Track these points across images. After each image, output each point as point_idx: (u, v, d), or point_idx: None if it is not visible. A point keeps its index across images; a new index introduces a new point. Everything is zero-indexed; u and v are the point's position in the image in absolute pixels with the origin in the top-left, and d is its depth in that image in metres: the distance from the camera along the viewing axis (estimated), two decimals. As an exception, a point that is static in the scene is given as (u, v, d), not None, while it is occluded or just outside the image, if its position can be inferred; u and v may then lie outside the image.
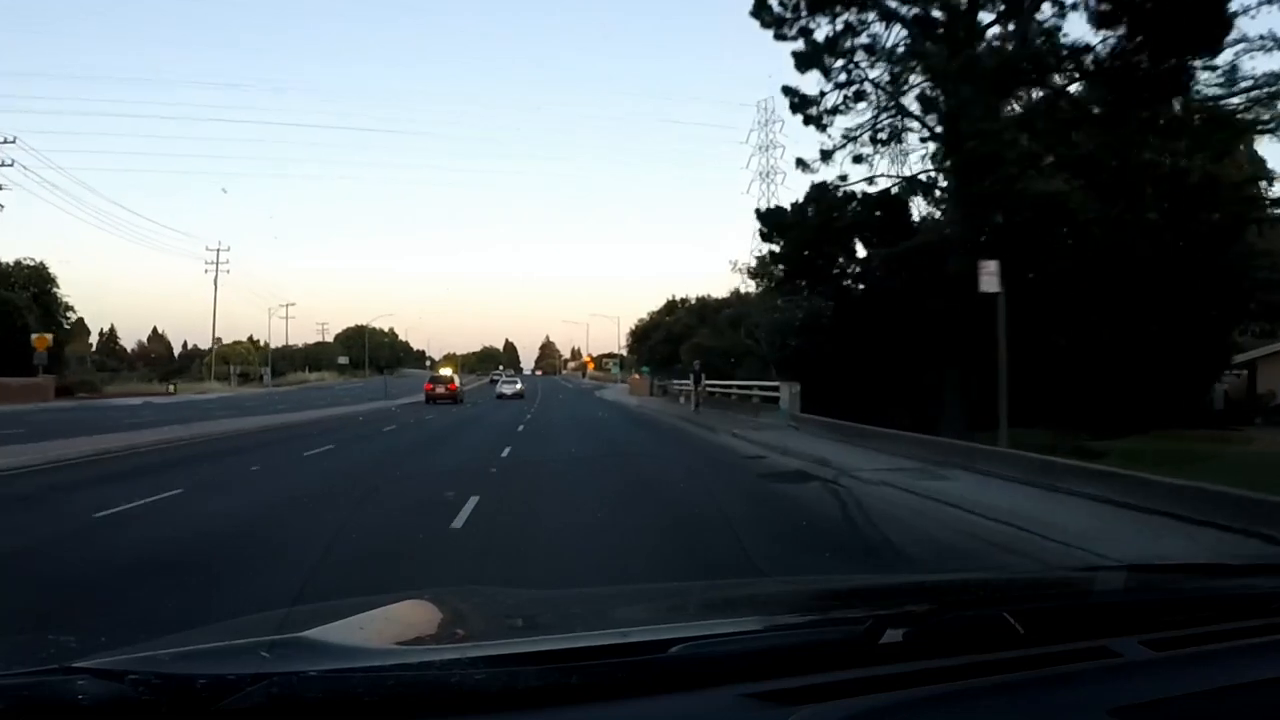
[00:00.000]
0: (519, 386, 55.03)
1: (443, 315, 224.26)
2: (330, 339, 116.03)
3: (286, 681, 1.02)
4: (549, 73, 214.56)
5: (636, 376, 62.68)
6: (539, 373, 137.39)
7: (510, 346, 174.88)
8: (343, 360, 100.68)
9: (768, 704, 1.11)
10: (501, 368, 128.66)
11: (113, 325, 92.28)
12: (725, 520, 8.03)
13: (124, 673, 1.01)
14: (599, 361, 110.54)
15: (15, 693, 0.99)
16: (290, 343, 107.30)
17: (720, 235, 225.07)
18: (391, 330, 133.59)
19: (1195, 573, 2.08)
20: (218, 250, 68.39)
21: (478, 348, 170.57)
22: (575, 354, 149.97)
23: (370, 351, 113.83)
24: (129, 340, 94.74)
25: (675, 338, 52.05)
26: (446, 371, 55.28)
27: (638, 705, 1.11)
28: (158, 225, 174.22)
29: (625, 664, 1.17)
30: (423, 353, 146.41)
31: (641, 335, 63.48)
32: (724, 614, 1.83)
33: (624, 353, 69.51)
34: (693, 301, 59.63)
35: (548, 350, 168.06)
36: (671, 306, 61.45)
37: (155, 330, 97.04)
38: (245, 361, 76.77)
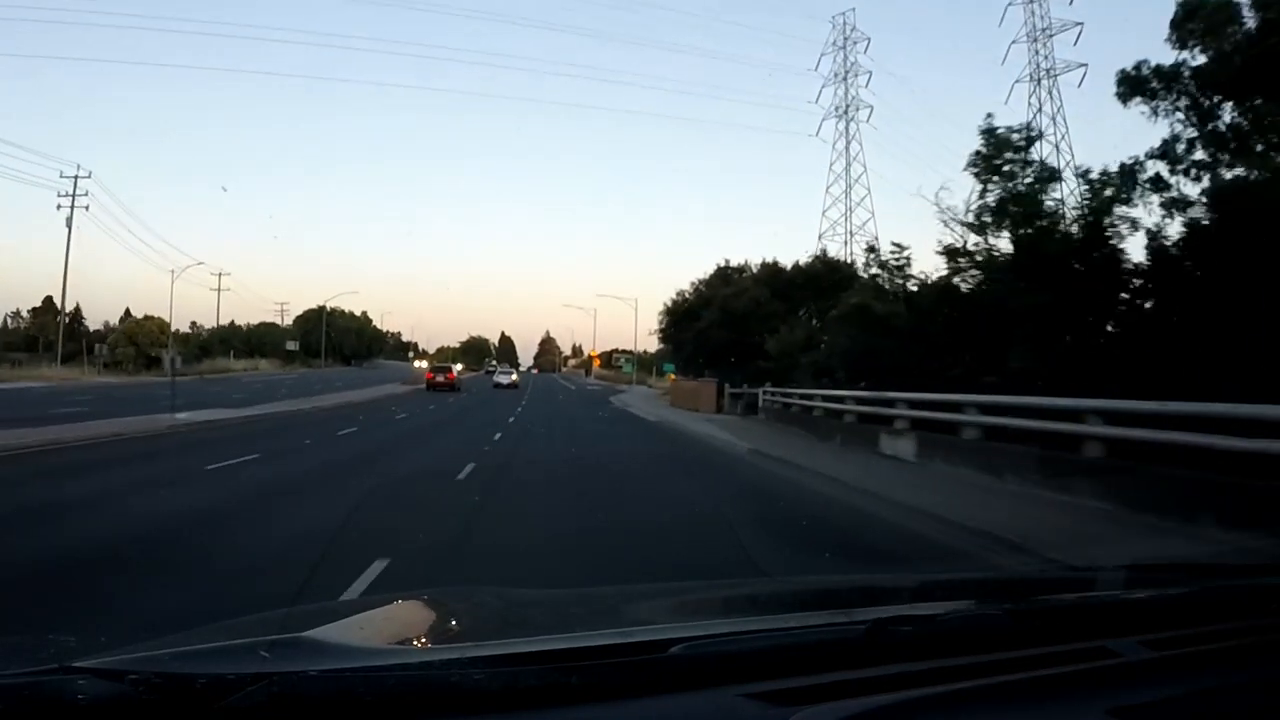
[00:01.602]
0: (514, 378, 63.29)
1: (428, 301, 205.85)
2: (290, 322, 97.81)
3: (287, 681, 1.02)
4: (545, 35, 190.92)
5: (673, 378, 45.77)
6: (534, 370, 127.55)
7: (507, 340, 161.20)
8: (291, 346, 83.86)
9: (768, 704, 1.11)
10: (495, 362, 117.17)
11: (78, 305, 78.48)
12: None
13: (124, 672, 1.01)
14: (609, 357, 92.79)
15: (15, 693, 0.99)
16: (235, 322, 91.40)
17: (765, 203, 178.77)
18: (364, 315, 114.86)
19: (1195, 573, 2.08)
20: (74, 177, 47.25)
21: (465, 337, 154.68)
22: (577, 351, 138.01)
23: (334, 337, 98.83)
24: (97, 322, 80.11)
25: (738, 318, 35.01)
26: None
27: (638, 705, 1.11)
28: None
29: (625, 664, 1.17)
30: (415, 344, 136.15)
31: (683, 314, 42.64)
32: (724, 614, 1.84)
33: (656, 337, 48.29)
34: (754, 269, 39.92)
35: (547, 346, 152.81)
36: (724, 276, 41.44)
37: (128, 312, 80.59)
38: (157, 343, 59.39)
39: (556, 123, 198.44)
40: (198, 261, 74.05)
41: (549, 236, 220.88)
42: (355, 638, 1.29)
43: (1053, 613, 1.59)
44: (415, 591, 1.72)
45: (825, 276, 33.74)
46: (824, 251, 39.23)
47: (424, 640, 1.45)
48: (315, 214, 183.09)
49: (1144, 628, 1.45)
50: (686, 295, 44.22)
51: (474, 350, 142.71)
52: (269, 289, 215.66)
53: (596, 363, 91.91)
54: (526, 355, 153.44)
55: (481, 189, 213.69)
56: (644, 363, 70.87)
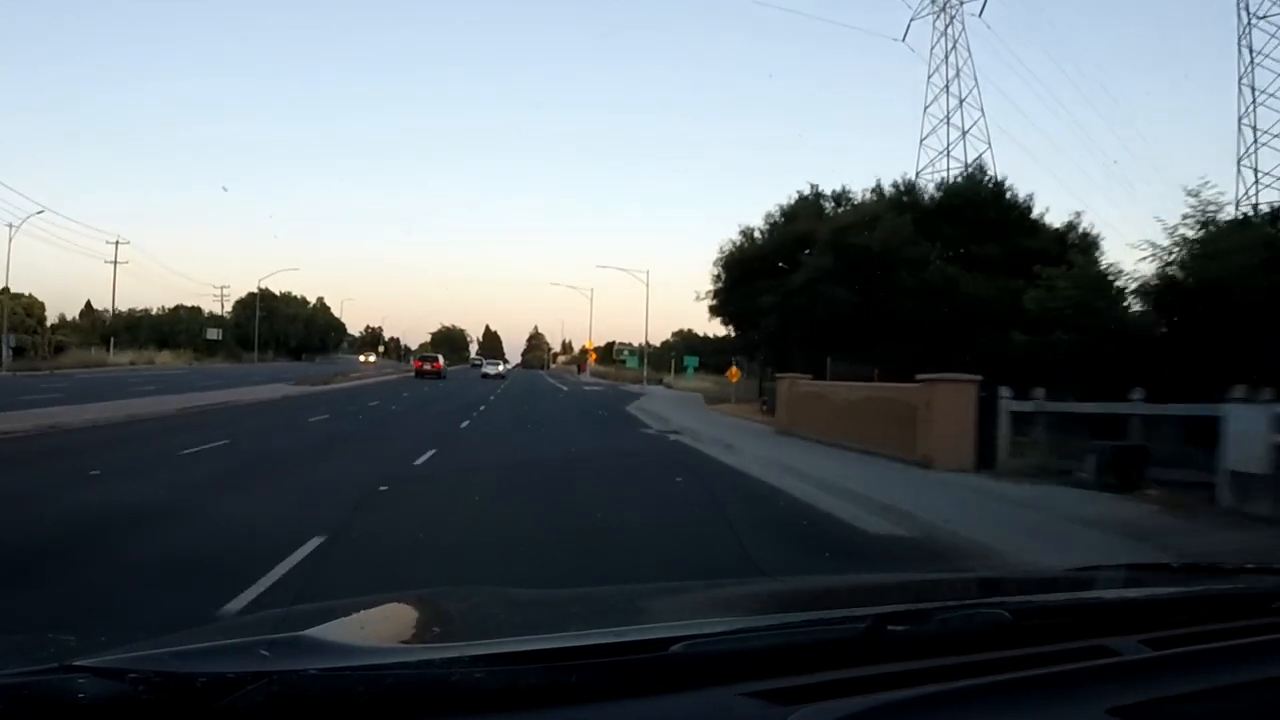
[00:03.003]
0: (500, 369, 65.01)
1: (404, 291, 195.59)
2: (230, 308, 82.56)
3: (287, 680, 1.02)
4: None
5: (735, 373, 31.05)
6: (517, 366, 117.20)
7: (492, 335, 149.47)
8: (213, 334, 70.08)
9: (768, 703, 1.11)
10: (480, 356, 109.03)
11: (31, 295, 69.17)
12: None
13: (124, 671, 1.02)
14: (607, 352, 79.29)
15: (15, 692, 1.00)
16: (145, 306, 77.58)
17: (829, 139, 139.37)
18: (320, 301, 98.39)
19: (1195, 573, 2.08)
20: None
21: (436, 327, 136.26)
22: (567, 347, 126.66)
23: (277, 326, 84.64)
24: (52, 315, 68.72)
25: (870, 262, 21.00)
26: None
27: (638, 705, 1.11)
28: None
29: (625, 663, 1.17)
30: (396, 339, 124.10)
31: (754, 265, 25.99)
32: (724, 613, 1.83)
33: (706, 304, 30.12)
34: (862, 200, 24.92)
35: (535, 341, 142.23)
36: (810, 206, 26.26)
37: (89, 305, 72.45)
38: (21, 328, 48.09)
39: (546, 67, 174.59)
40: (38, 209, 51.57)
41: (541, 213, 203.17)
42: (355, 637, 1.29)
43: (1052, 612, 1.59)
44: (415, 591, 1.72)
45: (989, 205, 22.04)
46: (979, 169, 25.82)
47: (424, 639, 1.46)
48: (284, 198, 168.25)
49: (1144, 627, 1.46)
50: (757, 236, 26.64)
51: (448, 342, 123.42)
52: (216, 274, 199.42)
53: (593, 357, 74.37)
54: (512, 351, 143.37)
55: (468, 166, 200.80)
56: (644, 358, 59.70)
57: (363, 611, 1.48)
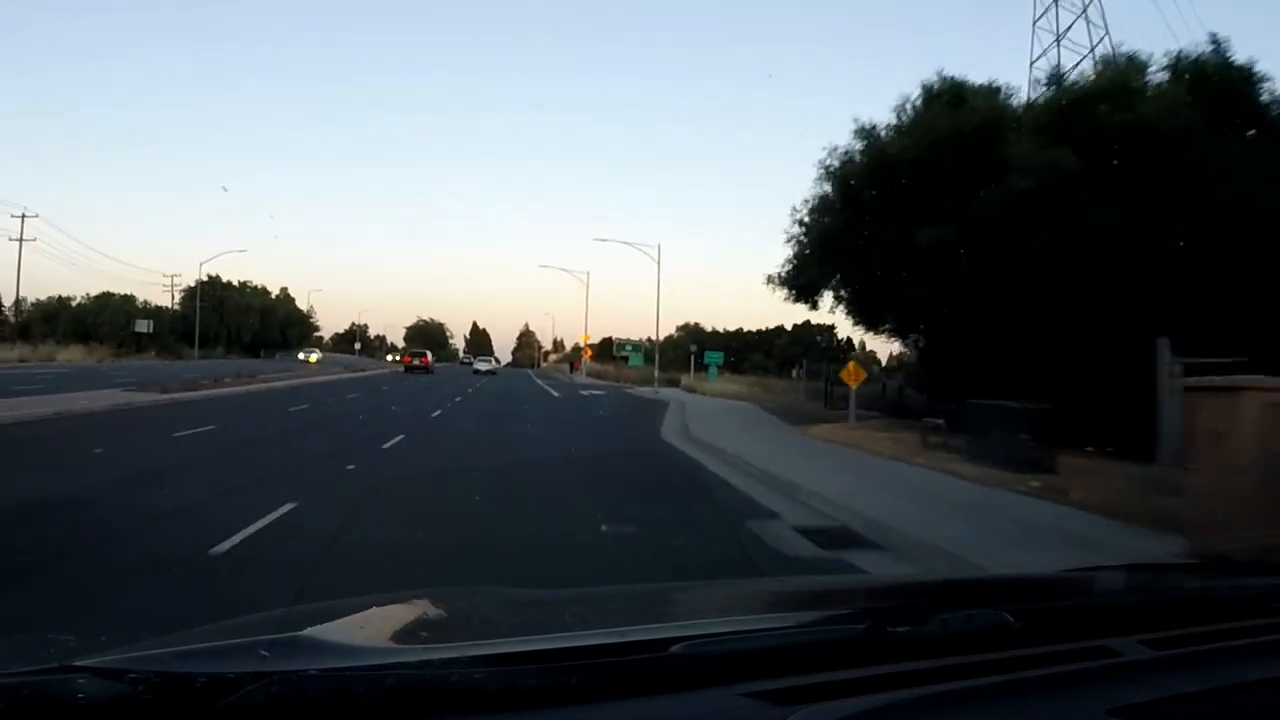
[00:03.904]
0: (492, 366, 67.64)
1: (386, 285, 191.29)
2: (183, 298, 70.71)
3: (286, 680, 1.02)
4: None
5: (856, 369, 18.73)
6: (508, 364, 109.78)
7: (481, 332, 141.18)
8: (143, 327, 59.80)
9: (768, 704, 1.11)
10: (471, 355, 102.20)
11: None
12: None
13: (124, 671, 1.02)
14: (606, 349, 73.08)
15: (15, 692, 0.99)
16: (68, 293, 66.99)
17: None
18: (284, 292, 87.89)
19: (1195, 573, 2.09)
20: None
21: (412, 320, 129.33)
22: (559, 345, 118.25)
23: (230, 318, 73.90)
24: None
25: (1160, 162, 11.20)
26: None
27: (638, 705, 1.11)
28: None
29: (625, 664, 1.17)
30: (382, 337, 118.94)
31: (902, 183, 13.87)
32: (724, 614, 1.83)
33: (789, 253, 18.61)
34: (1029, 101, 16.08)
35: (526, 339, 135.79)
36: (952, 100, 14.81)
37: (60, 298, 65.23)
38: None
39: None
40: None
41: (537, 213, 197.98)
42: (355, 637, 1.29)
43: (1053, 612, 1.60)
44: (415, 591, 1.72)
45: (1245, 99, 14.13)
46: (1222, 45, 16.04)
47: (424, 640, 1.45)
48: (275, 191, 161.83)
49: (1144, 627, 1.46)
50: (883, 134, 16.39)
51: (425, 336, 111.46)
52: (189, 268, 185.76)
53: (588, 354, 62.39)
54: (502, 349, 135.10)
55: (464, 164, 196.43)
56: (649, 355, 51.42)
57: (363, 611, 1.48)
